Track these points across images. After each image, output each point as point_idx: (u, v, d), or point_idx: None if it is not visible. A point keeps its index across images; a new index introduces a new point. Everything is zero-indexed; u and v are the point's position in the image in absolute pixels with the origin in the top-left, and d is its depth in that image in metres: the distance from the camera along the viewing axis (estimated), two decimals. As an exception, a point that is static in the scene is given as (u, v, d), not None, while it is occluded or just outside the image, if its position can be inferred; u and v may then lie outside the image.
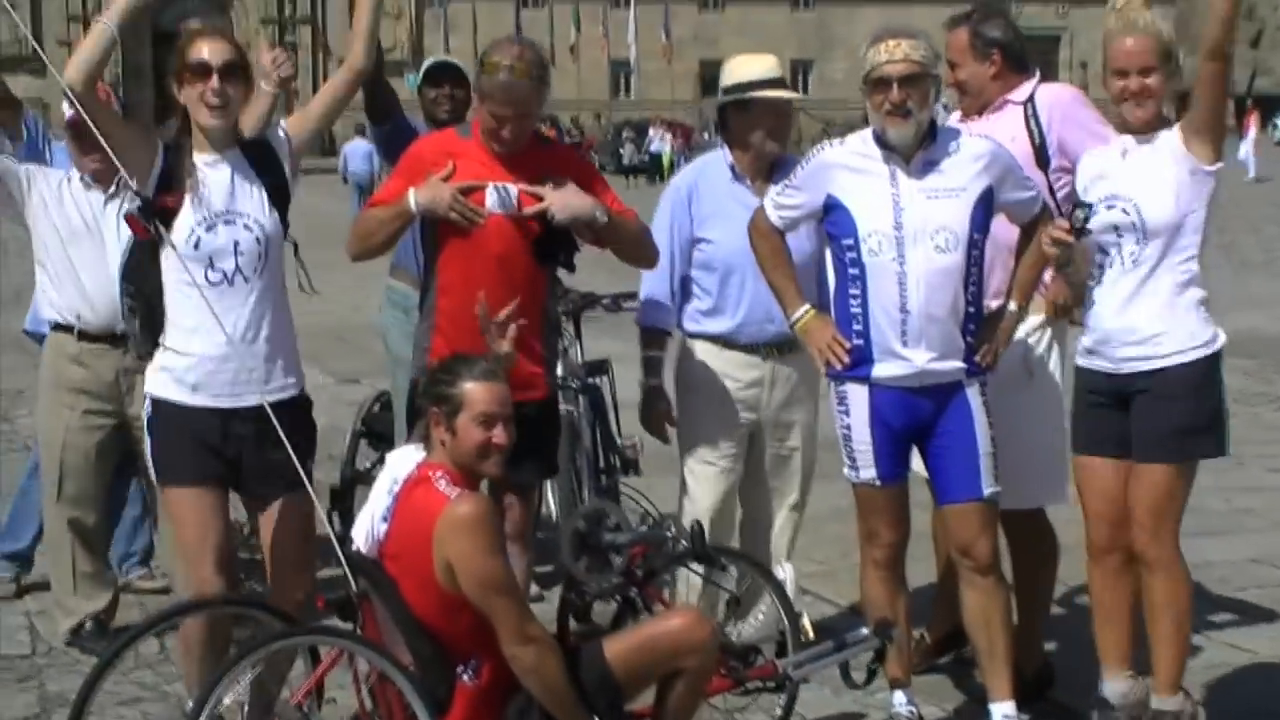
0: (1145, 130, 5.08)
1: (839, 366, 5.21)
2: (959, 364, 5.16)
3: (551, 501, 7.53)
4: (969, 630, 5.37)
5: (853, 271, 5.16)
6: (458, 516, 4.35)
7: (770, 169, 5.84)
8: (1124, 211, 5.02)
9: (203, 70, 4.79)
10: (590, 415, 7.48)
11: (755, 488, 6.02)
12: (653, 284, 5.92)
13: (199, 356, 4.79)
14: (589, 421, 7.45)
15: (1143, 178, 5.03)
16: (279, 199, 4.94)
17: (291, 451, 4.61)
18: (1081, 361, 5.22)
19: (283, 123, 5.14)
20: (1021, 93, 5.77)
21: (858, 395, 5.21)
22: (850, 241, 5.15)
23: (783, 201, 5.36)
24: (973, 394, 5.18)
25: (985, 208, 5.15)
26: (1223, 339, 5.09)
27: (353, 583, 4.51)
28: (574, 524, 4.90)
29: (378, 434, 7.52)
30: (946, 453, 5.20)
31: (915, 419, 5.19)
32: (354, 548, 4.57)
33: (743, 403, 5.89)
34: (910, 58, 5.05)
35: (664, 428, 5.98)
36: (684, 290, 5.94)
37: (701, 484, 5.85)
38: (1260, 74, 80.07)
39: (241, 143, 4.95)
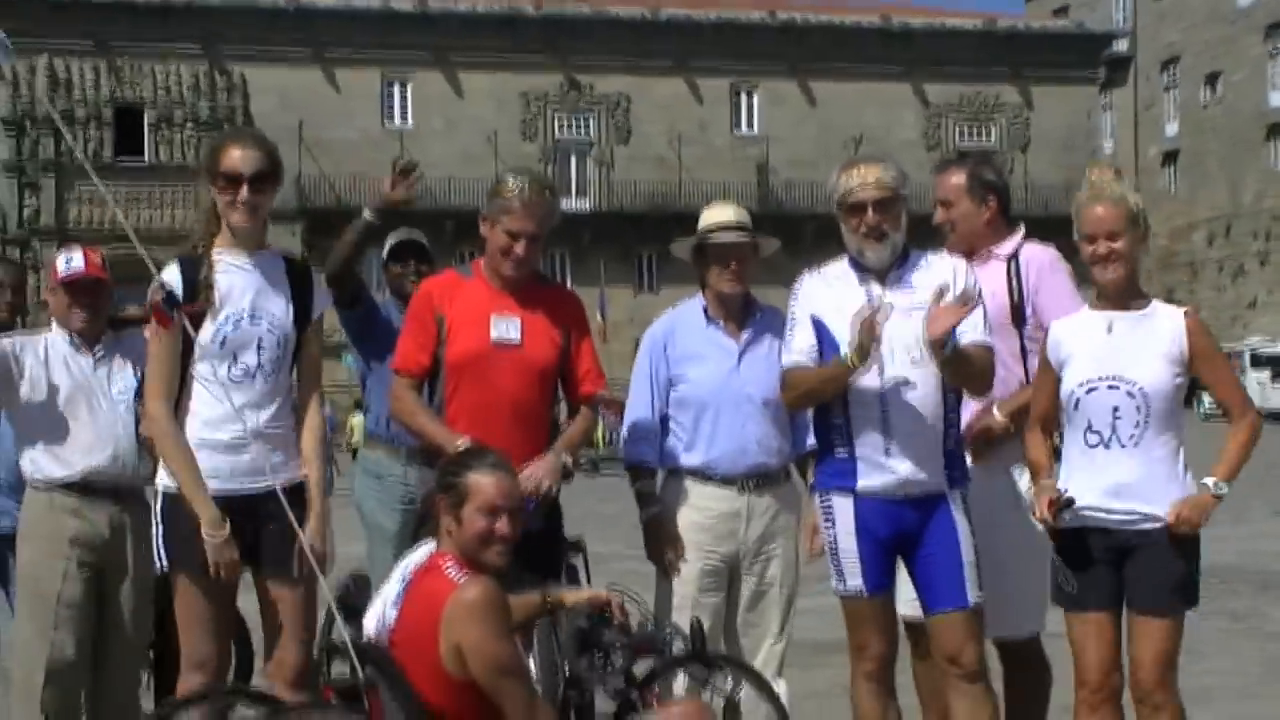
0: (1118, 294, 5.28)
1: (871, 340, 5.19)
2: (940, 474, 5.32)
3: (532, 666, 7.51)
4: None
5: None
6: (466, 601, 4.41)
7: (742, 312, 6.06)
8: (1129, 394, 5.15)
9: (234, 179, 5.05)
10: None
11: (735, 622, 6.07)
12: (636, 421, 6.09)
13: (221, 445, 4.91)
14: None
15: (1137, 353, 5.18)
16: (301, 316, 5.21)
17: (300, 533, 4.71)
18: (1074, 523, 5.29)
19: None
20: (1006, 247, 5.96)
21: (843, 507, 5.34)
22: (834, 359, 5.35)
23: (793, 345, 5.52)
24: (955, 504, 5.33)
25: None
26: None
27: (360, 672, 4.55)
28: (577, 622, 4.96)
29: (353, 609, 7.52)
30: (932, 562, 5.32)
31: (899, 529, 5.32)
32: (365, 636, 4.62)
33: (722, 536, 5.98)
34: (882, 182, 5.35)
35: (668, 557, 6.01)
36: (663, 427, 6.09)
37: (681, 614, 5.89)
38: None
39: (286, 256, 5.27)
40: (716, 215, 6.13)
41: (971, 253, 5.91)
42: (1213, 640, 10.34)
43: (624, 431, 6.16)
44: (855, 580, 5.35)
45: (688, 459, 6.02)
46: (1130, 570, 5.18)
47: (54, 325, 6.30)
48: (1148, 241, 5.38)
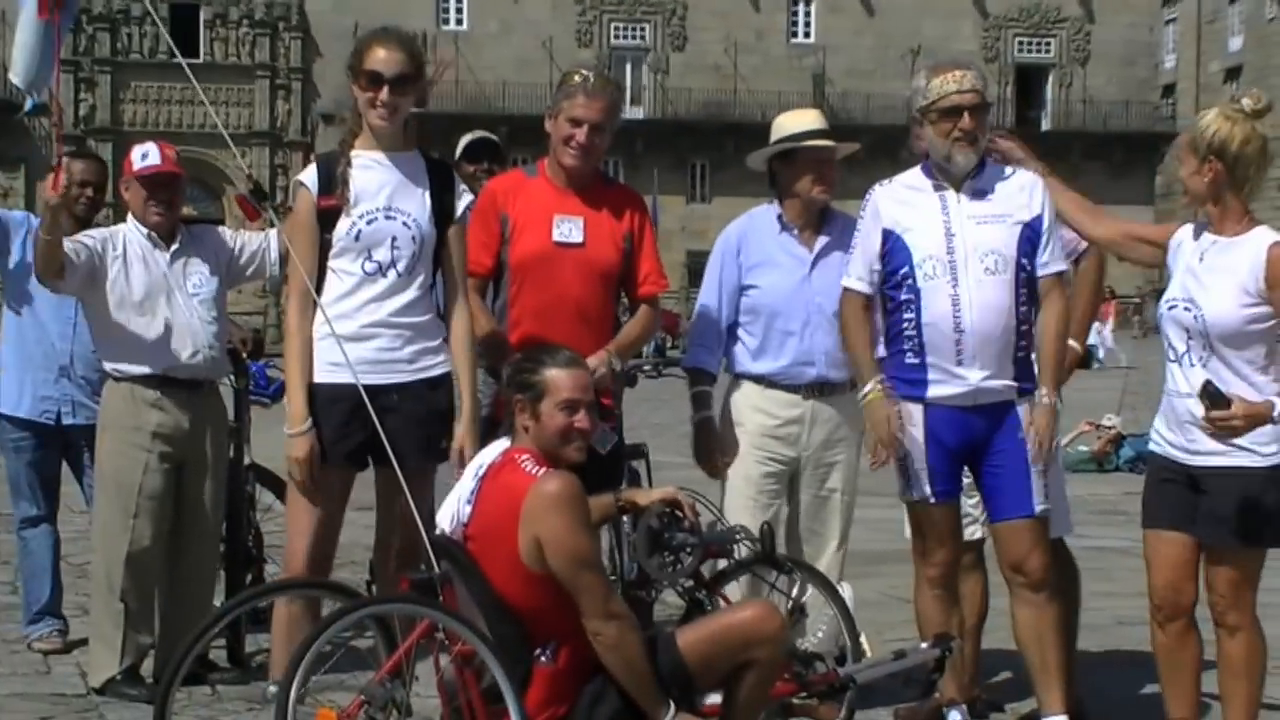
0: (1211, 219, 5.16)
1: (881, 456, 5.40)
2: (1011, 382, 5.34)
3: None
4: (1021, 646, 5.46)
5: (906, 297, 5.37)
6: (548, 493, 4.47)
7: (819, 220, 6.06)
8: (1194, 318, 5.10)
9: (376, 80, 5.13)
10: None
11: (796, 528, 6.13)
12: (700, 327, 6.12)
13: (348, 336, 5.09)
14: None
15: (1213, 279, 5.11)
16: (440, 215, 5.30)
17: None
18: (1155, 447, 5.30)
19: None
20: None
21: (913, 415, 5.37)
22: (906, 269, 5.37)
23: (855, 261, 5.54)
24: (1024, 413, 5.35)
25: (1032, 234, 5.37)
26: None
27: (435, 565, 4.62)
28: (648, 521, 5.00)
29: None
30: (1001, 471, 5.35)
31: (969, 437, 5.35)
32: (439, 530, 4.68)
33: (784, 440, 6.01)
34: (977, 88, 5.34)
35: (715, 459, 6.07)
36: (730, 333, 6.10)
37: (741, 516, 5.87)
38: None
39: (427, 156, 5.34)
40: (801, 121, 6.11)
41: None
42: (1274, 556, 10.26)
43: (688, 335, 6.18)
44: (924, 488, 5.39)
45: (755, 366, 6.04)
46: (1203, 501, 5.16)
47: (130, 220, 6.37)
48: (1249, 169, 5.11)
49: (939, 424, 5.36)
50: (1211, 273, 5.11)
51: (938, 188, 5.42)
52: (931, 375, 5.34)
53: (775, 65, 60.36)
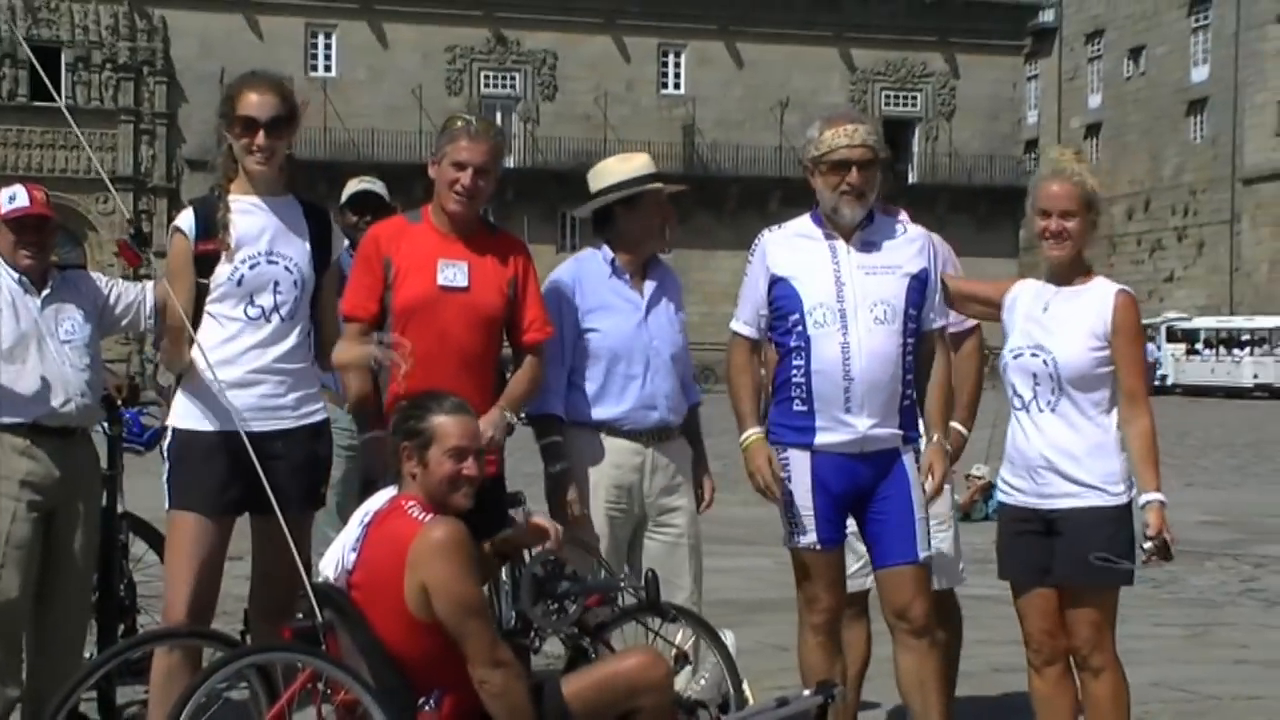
0: (1060, 272, 5.38)
1: (770, 496, 5.44)
2: (897, 430, 5.39)
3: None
4: (903, 693, 5.51)
5: (796, 344, 5.40)
6: (434, 540, 4.44)
7: (644, 266, 6.06)
8: (1044, 363, 5.29)
9: (250, 125, 5.11)
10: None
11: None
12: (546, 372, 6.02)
13: (230, 382, 5.03)
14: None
15: (1061, 325, 5.31)
16: (319, 257, 5.29)
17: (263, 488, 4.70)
18: (1005, 497, 5.48)
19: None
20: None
21: (800, 462, 5.40)
22: (796, 316, 5.40)
23: (743, 306, 5.59)
24: (909, 461, 5.41)
25: (920, 285, 5.44)
26: (1129, 490, 5.37)
27: (319, 613, 4.56)
28: (533, 570, 4.98)
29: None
30: (885, 518, 5.40)
31: (855, 484, 5.39)
32: (321, 578, 4.63)
33: (625, 489, 5.96)
34: (867, 143, 5.37)
35: (570, 514, 5.90)
36: (569, 380, 5.99)
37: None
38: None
39: (303, 200, 5.32)
40: (633, 165, 6.08)
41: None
42: (1135, 606, 10.55)
43: None
44: (809, 535, 5.42)
45: (596, 412, 5.96)
46: (1058, 544, 5.29)
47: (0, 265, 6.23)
48: (1098, 226, 5.47)
49: (826, 471, 5.39)
50: (1058, 320, 5.30)
51: (828, 237, 5.46)
52: (819, 422, 5.37)
53: (645, 115, 60.75)
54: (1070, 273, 5.40)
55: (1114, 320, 5.25)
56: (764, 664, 7.45)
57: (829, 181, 5.38)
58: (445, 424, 4.66)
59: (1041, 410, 5.30)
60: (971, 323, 6.05)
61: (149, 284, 6.28)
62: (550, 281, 6.06)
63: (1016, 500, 5.40)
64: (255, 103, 5.17)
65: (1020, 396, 5.34)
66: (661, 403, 5.95)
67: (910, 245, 5.48)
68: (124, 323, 6.41)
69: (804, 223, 5.55)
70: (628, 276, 6.02)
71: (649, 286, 6.03)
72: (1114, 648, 5.38)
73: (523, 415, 5.72)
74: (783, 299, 5.46)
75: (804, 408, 5.38)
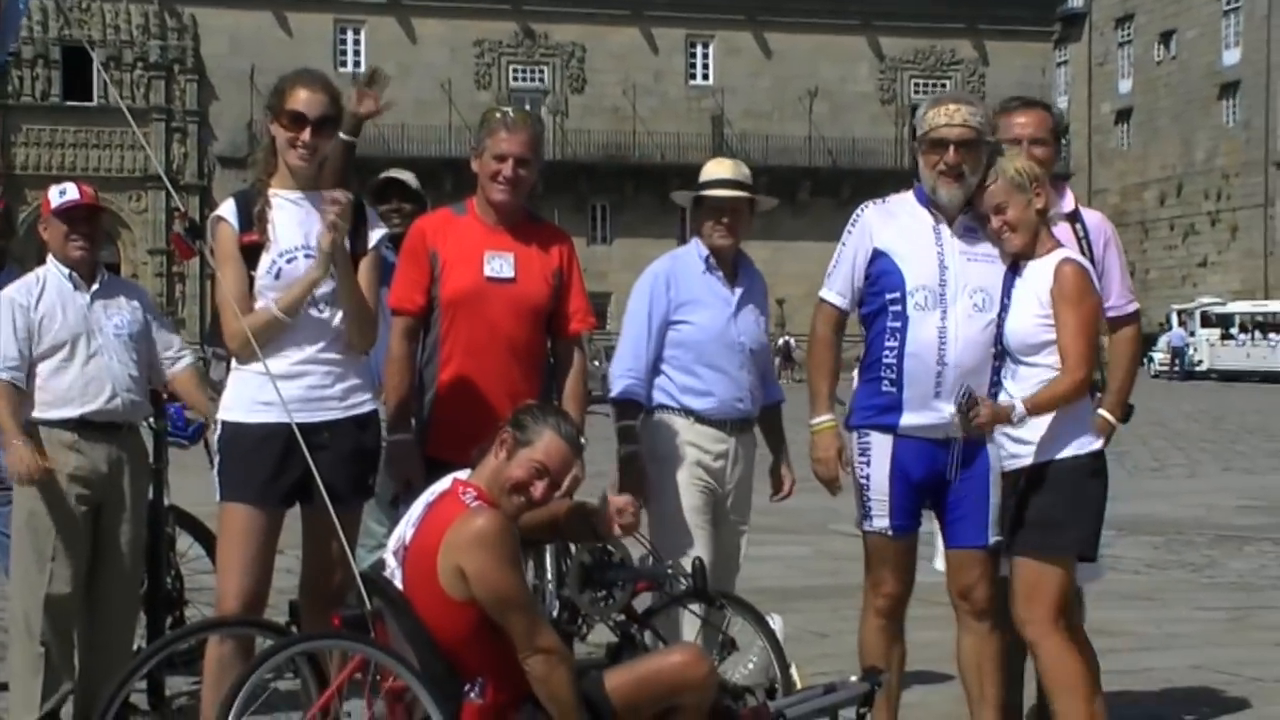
0: (1025, 259, 5.37)
1: (831, 491, 5.51)
2: None
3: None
4: (961, 673, 5.52)
5: (893, 324, 5.41)
6: (475, 528, 4.48)
7: (734, 266, 6.17)
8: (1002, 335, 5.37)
9: (299, 120, 5.15)
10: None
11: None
12: (626, 361, 6.13)
13: (279, 374, 5.05)
14: None
15: (1017, 295, 5.35)
16: (356, 250, 5.29)
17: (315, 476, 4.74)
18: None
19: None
20: (1065, 203, 5.82)
21: (881, 445, 5.42)
22: (896, 295, 5.41)
23: (836, 276, 5.59)
24: (991, 449, 5.40)
25: (1015, 276, 5.40)
26: (1092, 449, 5.32)
27: (367, 601, 4.60)
28: (581, 558, 5.01)
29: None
30: (962, 500, 5.41)
31: (935, 470, 5.42)
32: (385, 557, 4.67)
33: (713, 473, 6.08)
34: (968, 123, 5.35)
35: (640, 496, 6.01)
36: (655, 367, 6.13)
37: (688, 546, 5.92)
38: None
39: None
40: (714, 170, 6.24)
41: None
42: (1175, 591, 10.58)
43: (614, 368, 6.20)
44: (883, 520, 5.45)
45: (685, 400, 6.09)
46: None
47: (50, 261, 6.30)
48: (1044, 197, 5.34)
49: (907, 456, 5.41)
50: (1019, 291, 5.33)
51: (932, 217, 5.45)
52: (907, 405, 5.37)
53: (674, 107, 60.78)
54: (1048, 241, 5.38)
55: (1055, 288, 5.23)
56: (804, 651, 7.47)
57: (929, 160, 5.38)
58: (551, 441, 4.70)
59: (1008, 378, 5.35)
60: (1133, 306, 5.90)
61: (188, 355, 6.46)
62: (646, 273, 6.25)
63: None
64: (305, 99, 5.20)
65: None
66: (746, 395, 6.10)
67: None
68: (153, 352, 6.43)
69: (907, 199, 5.55)
70: (720, 274, 6.13)
71: (740, 284, 6.16)
72: (1052, 621, 5.24)
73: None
74: (883, 275, 5.46)
75: (892, 389, 5.40)
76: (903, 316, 5.39)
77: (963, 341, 5.34)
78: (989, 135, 5.42)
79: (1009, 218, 5.30)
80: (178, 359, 6.45)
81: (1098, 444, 5.33)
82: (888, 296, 5.43)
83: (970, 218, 5.42)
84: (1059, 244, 5.38)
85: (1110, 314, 5.76)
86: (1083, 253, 5.69)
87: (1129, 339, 5.87)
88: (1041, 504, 5.22)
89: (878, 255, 5.47)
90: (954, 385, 5.28)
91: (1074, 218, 5.81)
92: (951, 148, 5.33)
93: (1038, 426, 5.22)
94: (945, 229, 5.43)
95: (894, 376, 5.39)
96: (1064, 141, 5.42)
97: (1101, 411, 5.69)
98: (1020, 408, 5.15)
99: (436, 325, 5.66)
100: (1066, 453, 5.25)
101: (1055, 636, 5.23)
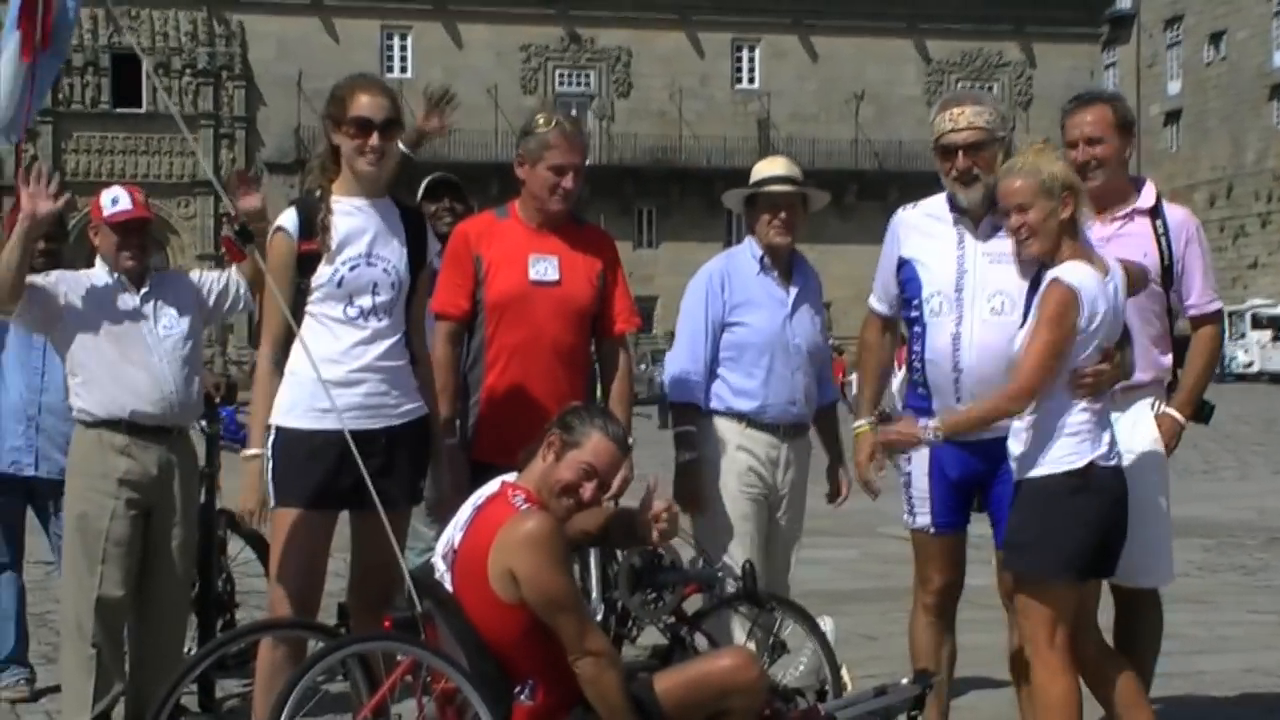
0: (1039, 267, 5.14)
1: (868, 494, 5.52)
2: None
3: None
4: (1010, 671, 5.48)
5: (916, 330, 5.45)
6: (525, 530, 4.48)
7: (789, 266, 6.16)
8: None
9: (365, 126, 5.14)
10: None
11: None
12: (682, 362, 6.14)
13: (331, 383, 5.06)
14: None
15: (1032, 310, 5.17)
16: (415, 261, 5.31)
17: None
18: None
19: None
20: (1145, 199, 5.66)
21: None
22: (916, 301, 5.44)
23: (877, 282, 5.64)
24: None
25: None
26: (1070, 467, 4.97)
27: (417, 603, 4.62)
28: (630, 560, 5.03)
29: None
30: (1006, 501, 5.33)
31: (972, 472, 5.42)
32: (433, 561, 4.70)
33: (761, 478, 6.09)
34: (974, 124, 5.34)
35: (697, 503, 6.06)
36: (710, 370, 6.14)
37: (737, 550, 5.94)
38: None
39: (400, 202, 5.35)
40: (767, 168, 6.25)
41: (1105, 200, 5.54)
42: (1226, 594, 10.51)
43: (670, 370, 6.21)
44: (924, 517, 5.52)
45: (739, 403, 6.09)
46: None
47: (99, 264, 6.33)
48: (1077, 209, 5.03)
49: (944, 455, 5.42)
50: (1035, 300, 5.13)
51: (957, 221, 5.43)
52: (936, 409, 5.37)
53: (720, 111, 60.75)
54: (1079, 249, 5.06)
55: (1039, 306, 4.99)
56: (852, 653, 7.44)
57: (942, 166, 5.39)
58: (599, 442, 4.71)
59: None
60: (1215, 305, 5.72)
61: (233, 268, 6.40)
62: (700, 272, 6.26)
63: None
64: (368, 104, 5.19)
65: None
66: (800, 398, 6.10)
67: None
68: (226, 306, 6.47)
69: (938, 202, 5.53)
70: (775, 274, 6.14)
71: (795, 284, 6.16)
72: (1044, 641, 5.01)
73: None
74: (908, 281, 5.50)
75: (924, 392, 5.45)
76: (922, 322, 5.42)
77: (978, 347, 5.29)
78: (1000, 131, 5.39)
79: (1030, 219, 5.03)
80: (233, 276, 6.46)
81: (1079, 461, 4.95)
82: (913, 303, 5.47)
83: (998, 215, 5.28)
84: (1086, 256, 5.02)
85: (1191, 313, 5.68)
86: (1160, 250, 5.57)
87: (1209, 337, 5.73)
88: (1013, 524, 5.08)
89: (904, 263, 5.51)
90: (972, 391, 5.26)
91: (1155, 213, 5.66)
92: (959, 153, 5.32)
93: (1021, 441, 5.04)
94: (969, 231, 5.41)
95: (922, 380, 5.44)
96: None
97: (1168, 409, 5.60)
98: (931, 429, 5.02)
99: (481, 329, 5.67)
100: (1038, 471, 5.00)
101: (1045, 657, 5.01)
